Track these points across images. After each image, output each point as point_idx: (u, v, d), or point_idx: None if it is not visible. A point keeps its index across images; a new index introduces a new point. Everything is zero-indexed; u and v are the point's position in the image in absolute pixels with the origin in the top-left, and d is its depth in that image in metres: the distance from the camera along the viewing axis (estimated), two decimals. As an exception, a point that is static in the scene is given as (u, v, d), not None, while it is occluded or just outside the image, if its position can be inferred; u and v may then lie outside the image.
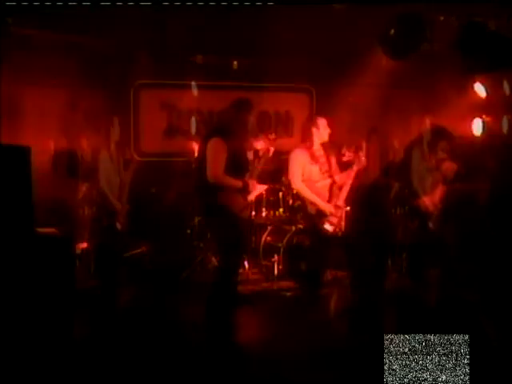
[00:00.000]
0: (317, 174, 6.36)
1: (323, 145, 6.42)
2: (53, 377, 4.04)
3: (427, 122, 6.67)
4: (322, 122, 6.36)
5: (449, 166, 6.47)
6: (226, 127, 5.54)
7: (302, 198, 6.48)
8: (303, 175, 6.32)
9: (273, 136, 5.96)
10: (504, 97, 7.05)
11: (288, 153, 6.51)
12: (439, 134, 6.40)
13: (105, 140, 6.43)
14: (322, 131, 6.34)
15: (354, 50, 7.23)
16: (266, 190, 7.23)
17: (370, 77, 7.63)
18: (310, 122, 6.51)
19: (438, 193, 6.45)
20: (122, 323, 5.74)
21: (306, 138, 6.39)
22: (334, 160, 6.48)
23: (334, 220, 6.25)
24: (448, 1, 5.95)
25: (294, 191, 6.90)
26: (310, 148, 6.33)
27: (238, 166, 5.51)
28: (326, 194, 6.37)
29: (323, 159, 6.39)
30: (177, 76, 7.98)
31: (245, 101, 5.69)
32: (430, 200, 6.40)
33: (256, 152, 6.24)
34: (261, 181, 5.95)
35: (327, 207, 6.27)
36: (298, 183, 6.35)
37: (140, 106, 8.14)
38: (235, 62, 8.05)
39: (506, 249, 6.20)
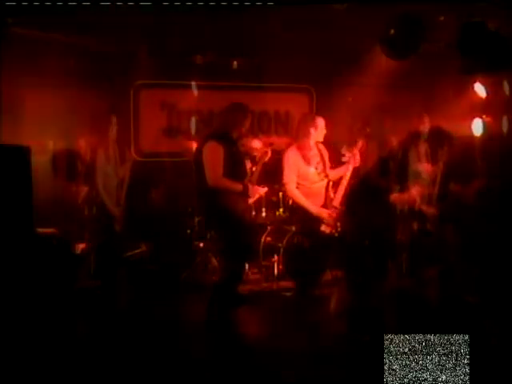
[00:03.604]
0: (313, 175, 6.24)
1: (317, 144, 6.28)
2: (53, 377, 4.04)
3: (424, 123, 6.69)
4: (320, 123, 6.18)
5: (426, 168, 6.49)
6: (221, 130, 5.56)
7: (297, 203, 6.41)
8: (299, 177, 6.19)
9: (271, 142, 5.98)
10: (504, 97, 7.04)
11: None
12: (435, 136, 6.42)
13: (102, 140, 6.45)
14: (319, 132, 6.16)
15: (353, 49, 7.23)
16: (266, 191, 7.25)
17: (370, 77, 7.63)
18: (308, 121, 6.22)
19: (413, 192, 6.45)
20: (122, 323, 5.74)
21: (301, 139, 6.18)
22: (328, 160, 6.36)
23: (330, 222, 6.17)
24: (448, 1, 5.96)
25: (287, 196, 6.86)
26: (304, 149, 6.16)
27: (235, 169, 5.52)
28: (323, 196, 6.27)
29: (318, 159, 6.26)
30: (177, 76, 7.98)
31: (238, 104, 5.73)
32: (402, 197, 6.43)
33: (253, 156, 6.21)
34: (260, 182, 5.95)
35: (320, 212, 6.17)
36: (291, 189, 6.22)
37: (140, 105, 8.14)
38: (235, 62, 8.04)
39: (506, 249, 6.19)
